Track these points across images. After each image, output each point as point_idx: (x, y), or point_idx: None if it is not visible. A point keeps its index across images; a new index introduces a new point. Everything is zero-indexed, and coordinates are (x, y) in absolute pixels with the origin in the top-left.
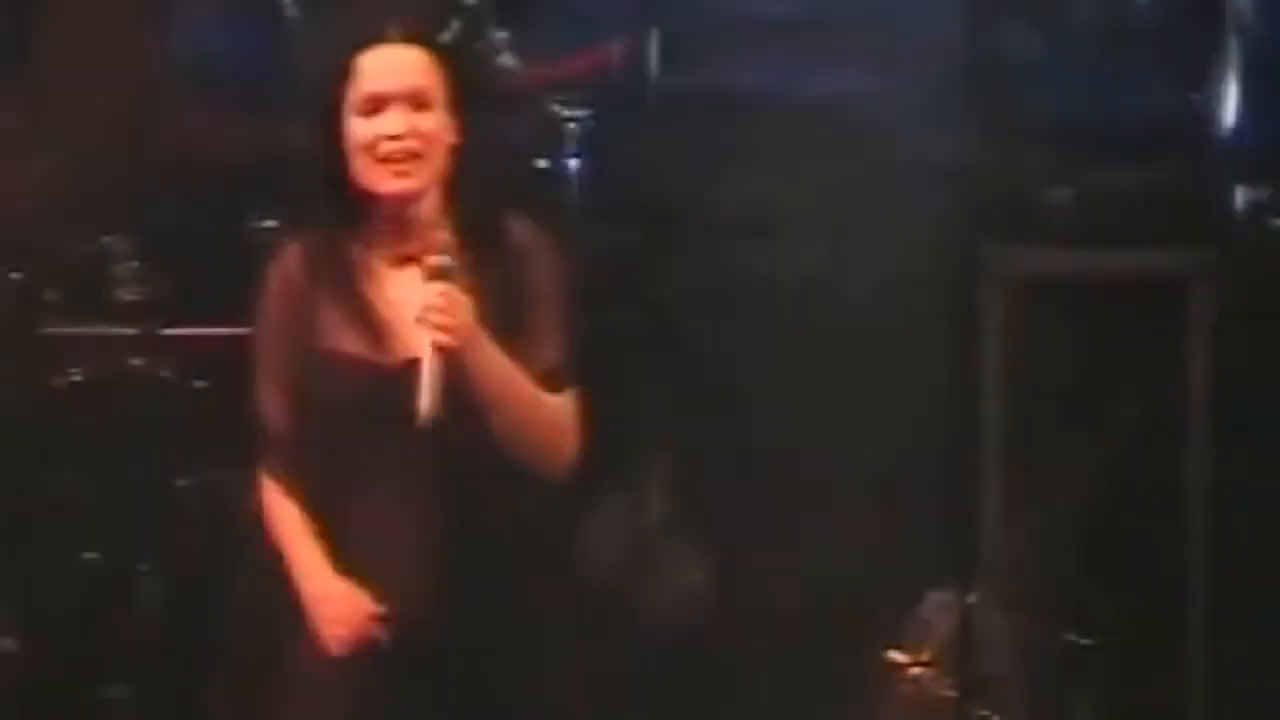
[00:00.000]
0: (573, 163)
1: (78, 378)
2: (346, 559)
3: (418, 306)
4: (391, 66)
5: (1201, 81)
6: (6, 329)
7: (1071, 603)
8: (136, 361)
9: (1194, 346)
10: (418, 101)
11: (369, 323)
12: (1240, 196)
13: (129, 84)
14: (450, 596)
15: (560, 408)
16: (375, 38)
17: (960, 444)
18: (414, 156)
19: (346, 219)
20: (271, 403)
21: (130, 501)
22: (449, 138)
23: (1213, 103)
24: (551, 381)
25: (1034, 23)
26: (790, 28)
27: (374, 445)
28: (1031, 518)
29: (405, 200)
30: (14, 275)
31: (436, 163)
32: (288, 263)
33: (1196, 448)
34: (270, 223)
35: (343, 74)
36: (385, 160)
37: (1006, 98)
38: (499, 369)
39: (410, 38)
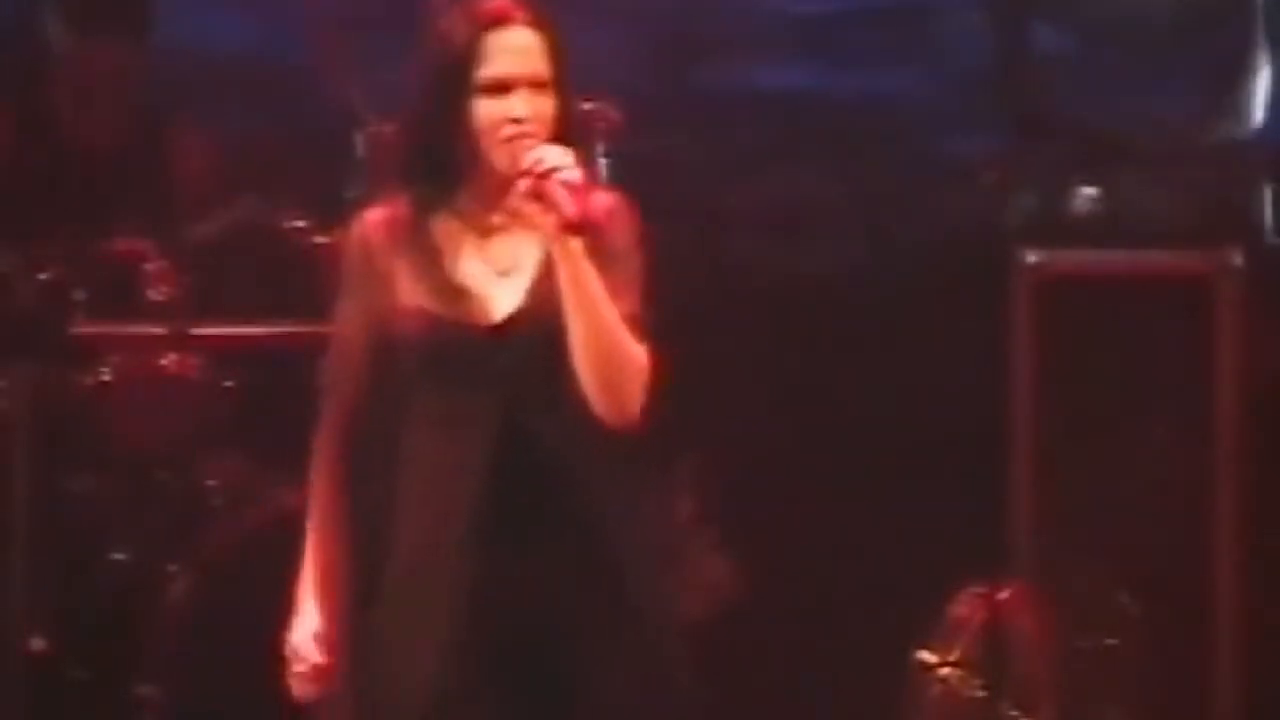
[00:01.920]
0: (602, 161)
1: (107, 377)
2: (402, 514)
3: (499, 272)
4: (517, 50)
5: (1230, 81)
6: (36, 328)
7: (1100, 603)
8: (165, 361)
9: (1222, 345)
10: (537, 85)
11: (451, 285)
12: (1268, 196)
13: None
14: (506, 558)
15: (640, 354)
16: (504, 18)
17: (989, 444)
18: (532, 139)
19: (444, 188)
20: (344, 360)
21: (159, 501)
22: (555, 115)
23: (1241, 102)
24: (630, 329)
25: (1064, 22)
26: (820, 26)
27: (444, 405)
28: (1062, 517)
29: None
30: (43, 275)
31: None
32: (371, 222)
33: (1225, 446)
34: (300, 222)
35: (470, 53)
36: (507, 142)
37: (1036, 97)
38: (593, 280)
39: (532, 21)
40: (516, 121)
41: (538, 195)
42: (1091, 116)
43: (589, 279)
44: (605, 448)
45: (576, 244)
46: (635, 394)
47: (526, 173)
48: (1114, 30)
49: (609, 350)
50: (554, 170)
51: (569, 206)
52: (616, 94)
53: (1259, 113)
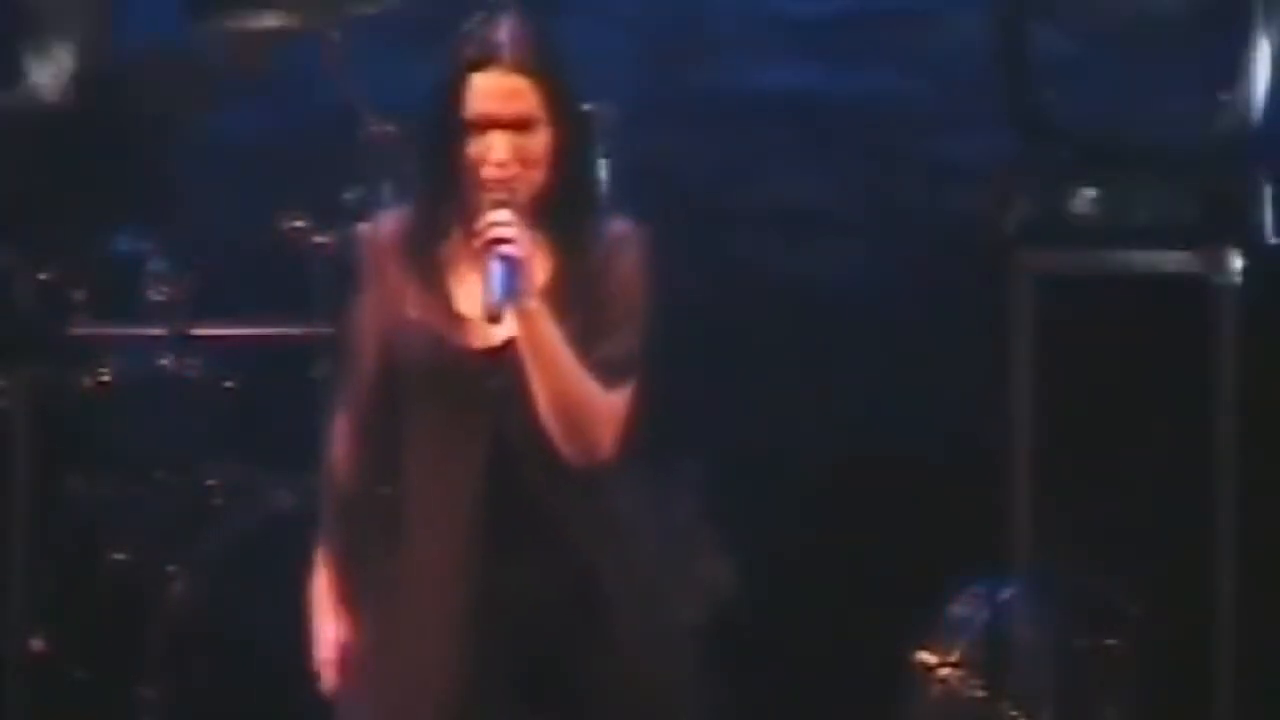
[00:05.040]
0: (602, 162)
1: (106, 378)
2: (404, 524)
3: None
4: (498, 93)
5: (1230, 80)
6: (36, 329)
7: (1100, 603)
8: (165, 361)
9: (1222, 346)
10: (520, 126)
11: (450, 305)
12: (1268, 196)
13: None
14: (499, 577)
15: (606, 400)
16: (486, 61)
17: (990, 444)
18: (512, 182)
19: (445, 210)
20: (358, 361)
21: (159, 501)
22: (550, 157)
23: (1241, 102)
24: (604, 372)
25: (1063, 22)
26: (818, 27)
27: (439, 422)
28: (1062, 517)
29: None
30: (42, 275)
31: (537, 177)
32: (384, 231)
33: (1225, 446)
34: (299, 223)
35: (454, 92)
36: (491, 186)
37: (1035, 98)
38: (551, 342)
39: (516, 64)
40: (497, 165)
41: (479, 263)
42: (1092, 117)
43: (547, 339)
44: (596, 470)
45: (535, 304)
46: (599, 441)
47: (477, 234)
48: (1114, 31)
49: (567, 405)
50: (496, 242)
51: (491, 293)
52: (616, 94)
53: (1259, 113)
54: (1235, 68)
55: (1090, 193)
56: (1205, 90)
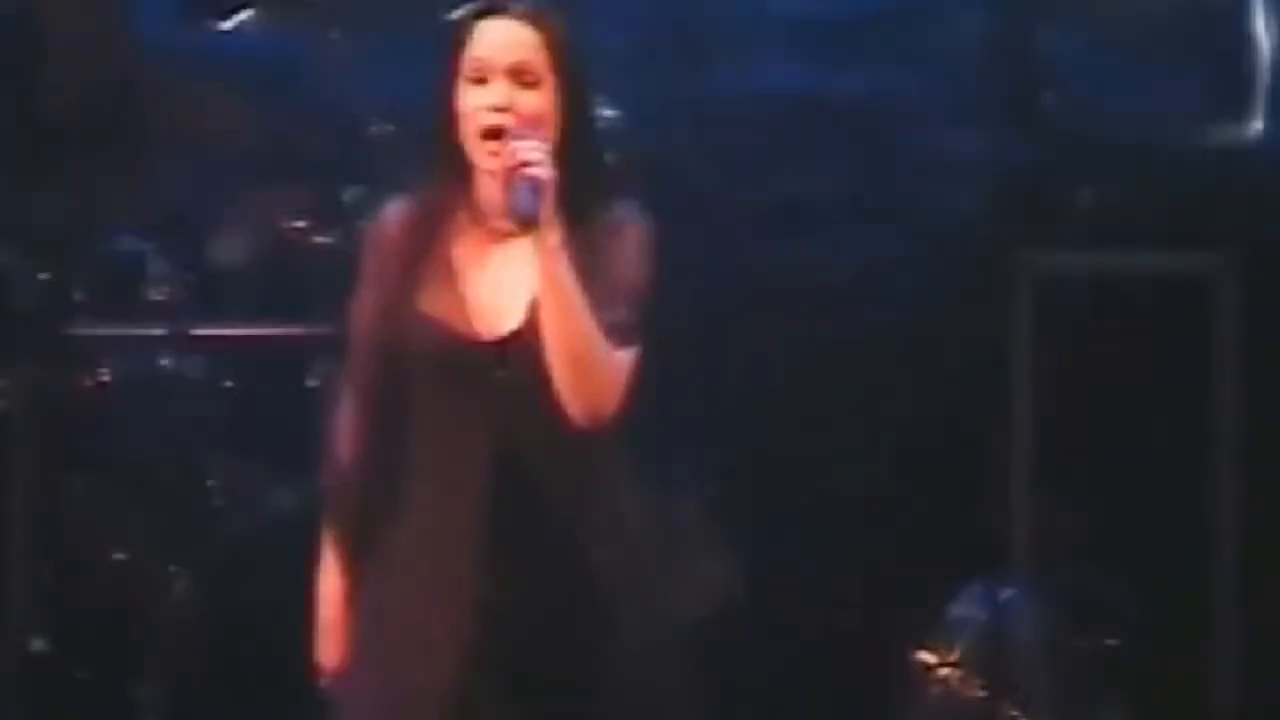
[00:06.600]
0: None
1: (107, 378)
2: (404, 517)
3: (513, 281)
4: (499, 38)
5: (1230, 81)
6: (36, 329)
7: (1100, 603)
8: (165, 361)
9: (1222, 346)
10: (521, 78)
11: (458, 295)
12: (1268, 196)
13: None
14: (504, 567)
15: (616, 360)
16: (492, 9)
17: (990, 443)
18: (509, 132)
19: (454, 186)
20: (358, 352)
21: (159, 501)
22: (555, 117)
23: (1241, 102)
24: (614, 334)
25: (1063, 23)
26: (818, 27)
27: (442, 413)
28: (1061, 518)
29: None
30: (43, 275)
31: (543, 137)
32: (390, 219)
33: (1224, 446)
34: (299, 223)
35: (458, 40)
36: (485, 134)
37: (1035, 98)
38: (568, 282)
39: (527, 15)
40: (494, 110)
41: (505, 186)
42: (1092, 116)
43: (564, 278)
44: (600, 463)
45: (554, 240)
46: (605, 397)
47: (505, 160)
48: (1115, 30)
49: (578, 350)
50: (523, 165)
51: (525, 204)
52: (617, 94)
53: (1259, 112)
54: (1235, 68)
55: (1090, 192)
56: (1205, 90)
